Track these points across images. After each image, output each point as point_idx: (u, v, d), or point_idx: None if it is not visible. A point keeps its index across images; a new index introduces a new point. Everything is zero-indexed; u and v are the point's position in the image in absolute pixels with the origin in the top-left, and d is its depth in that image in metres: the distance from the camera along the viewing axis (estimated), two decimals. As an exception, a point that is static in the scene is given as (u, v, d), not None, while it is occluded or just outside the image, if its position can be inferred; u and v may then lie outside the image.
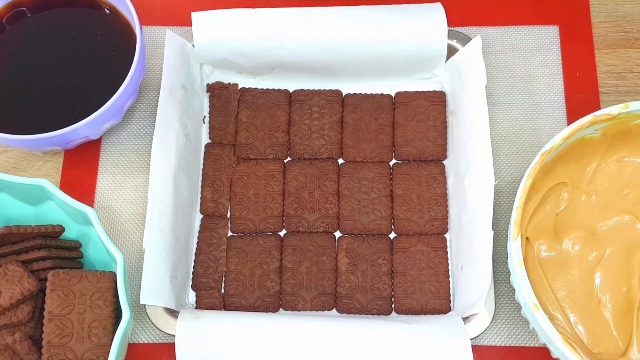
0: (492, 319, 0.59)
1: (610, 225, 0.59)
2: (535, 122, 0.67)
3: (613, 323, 0.57)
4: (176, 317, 0.59)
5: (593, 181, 0.60)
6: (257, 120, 0.67)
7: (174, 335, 0.57)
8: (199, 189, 0.66)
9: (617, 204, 0.59)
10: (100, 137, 0.67)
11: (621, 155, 0.60)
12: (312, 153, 0.67)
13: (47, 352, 0.54)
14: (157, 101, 0.61)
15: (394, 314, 0.62)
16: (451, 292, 0.62)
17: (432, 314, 0.61)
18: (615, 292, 0.57)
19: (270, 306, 0.62)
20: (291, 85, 0.69)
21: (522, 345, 0.60)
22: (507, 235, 0.59)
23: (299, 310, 0.62)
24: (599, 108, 0.63)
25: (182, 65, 0.64)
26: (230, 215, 0.65)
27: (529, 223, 0.58)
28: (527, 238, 0.58)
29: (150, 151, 0.60)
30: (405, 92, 0.68)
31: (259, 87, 0.69)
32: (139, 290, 0.57)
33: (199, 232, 0.64)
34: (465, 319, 0.58)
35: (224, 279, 0.63)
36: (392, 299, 0.62)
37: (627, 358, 0.55)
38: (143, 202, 0.65)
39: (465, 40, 0.66)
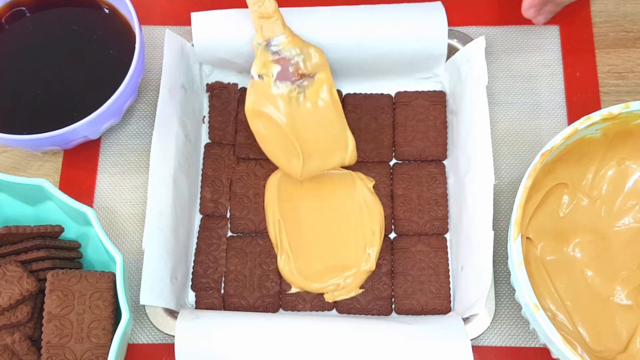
0: (493, 320, 0.59)
1: (617, 230, 0.60)
2: (536, 121, 0.67)
3: (617, 321, 0.57)
4: (176, 317, 0.58)
5: (595, 186, 0.60)
6: (256, 120, 0.67)
7: (173, 336, 0.57)
8: (199, 189, 0.66)
9: (624, 211, 0.60)
10: (100, 137, 0.67)
11: (622, 157, 0.60)
12: (312, 153, 0.66)
13: (46, 353, 0.54)
14: (157, 101, 0.61)
15: (394, 314, 0.62)
16: (451, 292, 0.62)
17: (432, 314, 0.61)
18: (620, 291, 0.58)
19: (270, 306, 0.62)
20: (291, 85, 0.69)
21: (523, 345, 0.60)
22: (507, 235, 0.59)
23: (299, 311, 0.62)
24: (599, 108, 0.62)
25: (181, 65, 0.64)
26: (230, 216, 0.65)
27: (530, 223, 0.58)
28: (528, 238, 0.58)
29: (150, 151, 0.60)
30: (405, 92, 0.68)
31: (259, 87, 0.69)
32: (139, 290, 0.57)
33: (199, 232, 0.64)
34: (465, 320, 0.58)
35: (223, 279, 0.63)
36: (392, 299, 0.62)
37: (628, 352, 0.55)
38: (142, 202, 0.65)
39: (465, 39, 0.66)
